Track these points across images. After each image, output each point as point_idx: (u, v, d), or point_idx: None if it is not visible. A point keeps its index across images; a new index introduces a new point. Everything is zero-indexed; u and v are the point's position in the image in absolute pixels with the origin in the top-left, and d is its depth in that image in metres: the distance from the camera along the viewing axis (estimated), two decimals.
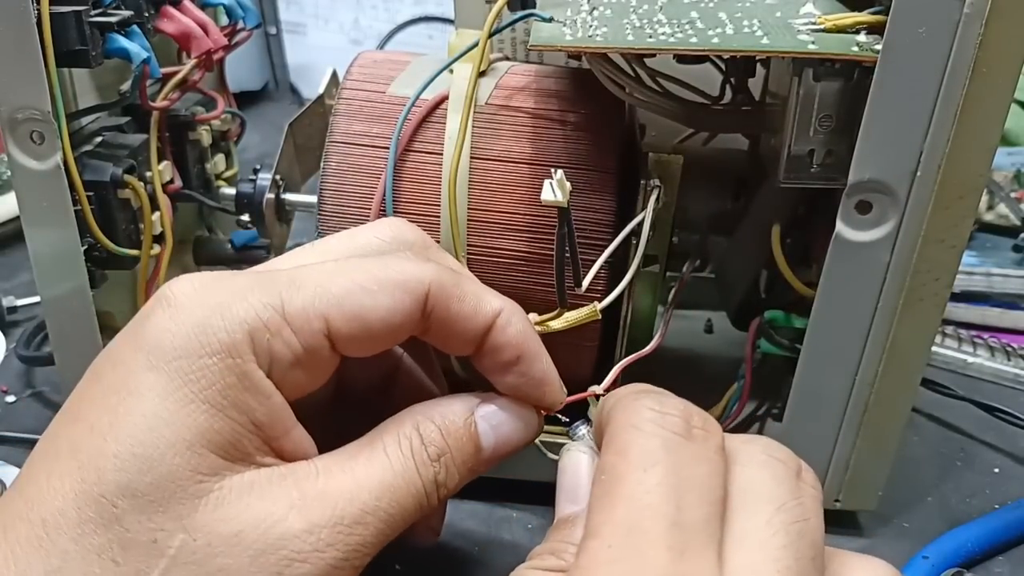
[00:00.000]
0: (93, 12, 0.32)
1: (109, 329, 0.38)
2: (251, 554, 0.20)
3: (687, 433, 0.21)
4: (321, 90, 0.42)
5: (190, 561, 0.20)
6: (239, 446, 0.21)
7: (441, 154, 0.33)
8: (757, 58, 0.35)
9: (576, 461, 0.24)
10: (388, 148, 0.32)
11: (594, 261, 0.31)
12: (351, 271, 0.24)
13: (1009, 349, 0.47)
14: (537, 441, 0.27)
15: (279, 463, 0.22)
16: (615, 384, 0.34)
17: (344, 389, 0.27)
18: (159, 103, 0.38)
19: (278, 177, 0.39)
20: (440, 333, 0.25)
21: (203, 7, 0.39)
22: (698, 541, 0.19)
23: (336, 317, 0.23)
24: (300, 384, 0.23)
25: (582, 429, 0.26)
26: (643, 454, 0.20)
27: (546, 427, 0.27)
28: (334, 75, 0.43)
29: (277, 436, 0.22)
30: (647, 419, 0.21)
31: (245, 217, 0.40)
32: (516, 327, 0.25)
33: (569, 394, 0.27)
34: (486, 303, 0.25)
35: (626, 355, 0.34)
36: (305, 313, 0.22)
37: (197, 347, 0.21)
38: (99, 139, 0.38)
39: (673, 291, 0.36)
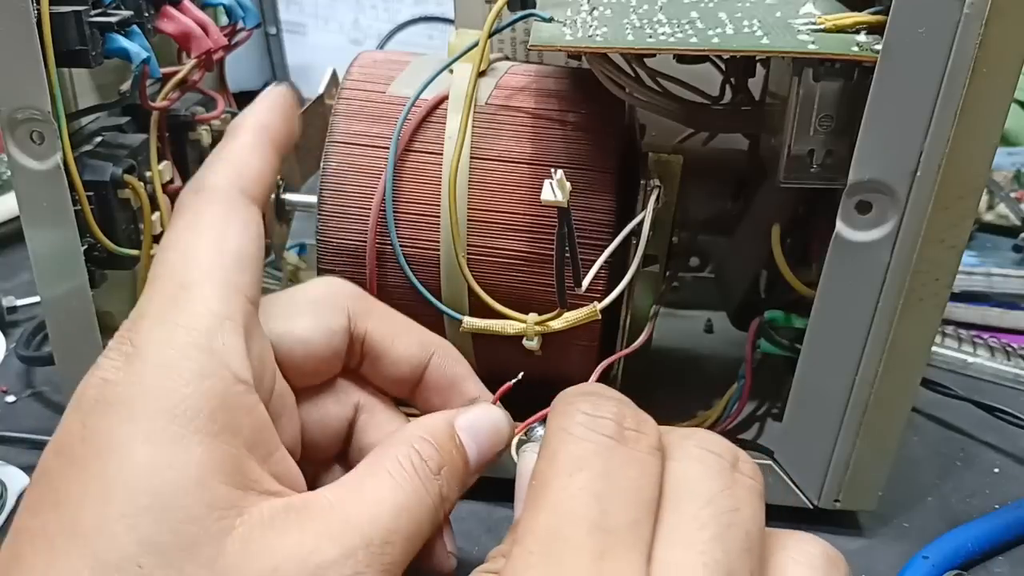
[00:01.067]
0: (93, 12, 0.32)
1: (109, 329, 0.38)
2: None
3: (619, 436, 0.21)
4: (321, 90, 0.42)
5: None
6: (243, 472, 0.21)
7: (441, 154, 0.33)
8: (757, 58, 0.35)
9: (529, 462, 0.25)
10: (388, 148, 0.32)
11: (594, 261, 0.31)
12: (281, 306, 0.27)
13: (1009, 349, 0.47)
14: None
15: (288, 492, 0.22)
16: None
17: (311, 440, 0.28)
18: (159, 103, 0.38)
19: (278, 177, 0.39)
20: (372, 365, 0.27)
21: (203, 7, 0.39)
22: (622, 544, 0.19)
23: (280, 347, 0.25)
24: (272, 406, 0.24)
25: (539, 430, 0.26)
26: (570, 459, 0.20)
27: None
28: (334, 75, 0.43)
29: (269, 455, 0.22)
30: (578, 423, 0.21)
31: None
32: (443, 365, 0.28)
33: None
34: (416, 340, 0.28)
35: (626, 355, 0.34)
36: (262, 340, 0.24)
37: (168, 383, 0.21)
38: (99, 139, 0.37)
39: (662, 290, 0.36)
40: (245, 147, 0.27)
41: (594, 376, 0.32)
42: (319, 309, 0.26)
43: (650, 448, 0.21)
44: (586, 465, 0.20)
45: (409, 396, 0.29)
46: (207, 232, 0.24)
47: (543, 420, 0.26)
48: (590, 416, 0.21)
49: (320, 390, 0.28)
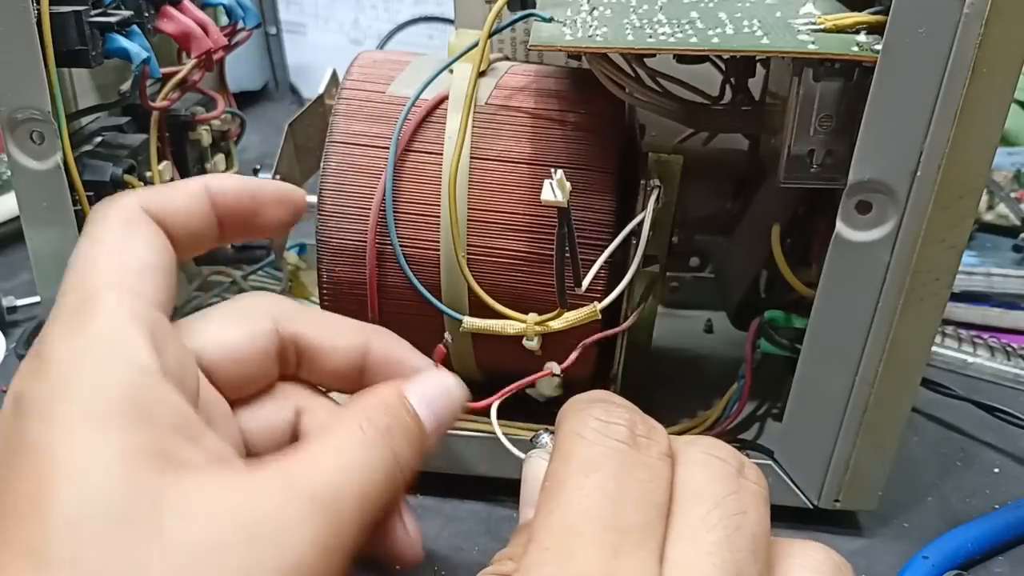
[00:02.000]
0: (93, 12, 0.32)
1: None
2: (242, 538, 0.20)
3: (631, 441, 0.21)
4: (321, 90, 0.42)
5: (177, 565, 0.19)
6: (168, 454, 0.20)
7: (441, 154, 0.33)
8: (757, 58, 0.35)
9: (537, 467, 0.25)
10: (388, 148, 0.32)
11: (594, 261, 0.31)
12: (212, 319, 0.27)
13: (1009, 349, 0.47)
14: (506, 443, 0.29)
15: (218, 462, 0.22)
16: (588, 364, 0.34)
17: (254, 448, 0.27)
18: (159, 103, 0.38)
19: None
20: (310, 364, 0.27)
21: (203, 7, 0.39)
22: (633, 542, 0.19)
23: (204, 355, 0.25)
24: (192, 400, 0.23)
25: (544, 437, 0.26)
26: (584, 461, 0.21)
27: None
28: (334, 75, 0.43)
29: (198, 436, 0.22)
30: (592, 428, 0.22)
31: None
32: (380, 349, 0.28)
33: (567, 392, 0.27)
34: (349, 330, 0.28)
35: (626, 355, 0.34)
36: (178, 345, 0.24)
37: (75, 386, 0.20)
38: (99, 139, 0.38)
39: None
40: (172, 184, 0.28)
41: (574, 354, 0.32)
42: (241, 317, 0.26)
43: (660, 454, 0.21)
44: (600, 467, 0.20)
45: (356, 388, 0.28)
46: (108, 247, 0.24)
47: (547, 430, 0.27)
48: (603, 422, 0.22)
49: (257, 397, 0.27)
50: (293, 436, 0.28)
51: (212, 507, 0.20)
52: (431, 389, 0.26)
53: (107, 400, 0.20)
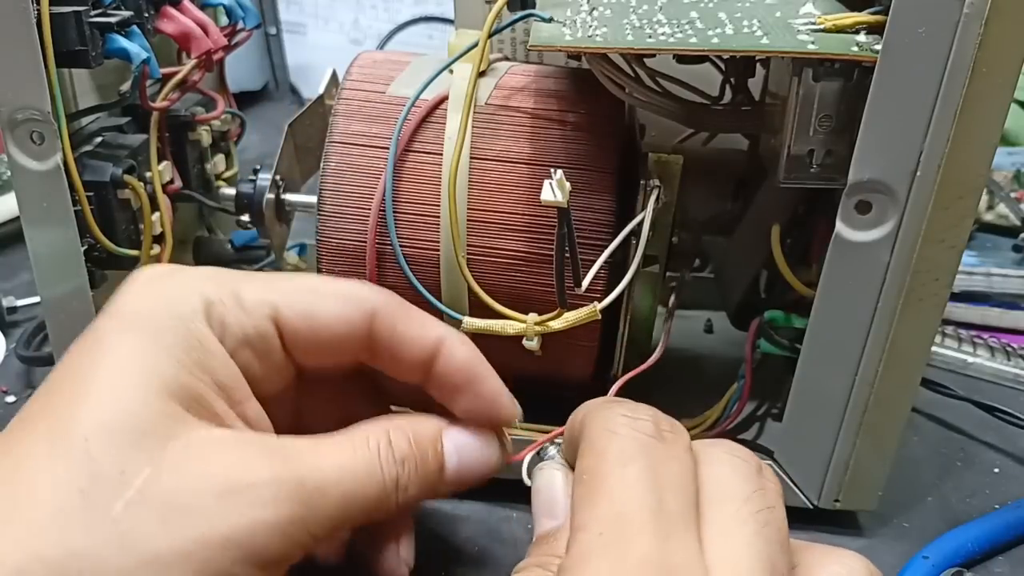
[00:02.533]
0: (93, 12, 0.32)
1: None
2: (215, 492, 0.21)
3: (658, 435, 0.22)
4: (321, 90, 0.42)
5: (155, 495, 0.20)
6: (204, 402, 0.23)
7: (441, 154, 0.33)
8: (757, 58, 0.35)
9: (551, 478, 0.26)
10: (388, 148, 0.32)
11: (594, 261, 0.31)
12: (304, 276, 0.27)
13: (1009, 349, 0.47)
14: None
15: (247, 429, 0.24)
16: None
17: (302, 433, 0.28)
18: (159, 103, 0.38)
19: (278, 177, 0.39)
20: (388, 355, 0.27)
21: (203, 7, 0.39)
22: (679, 528, 0.20)
23: (284, 308, 0.25)
24: (252, 368, 0.25)
25: (551, 449, 0.27)
26: (620, 453, 0.22)
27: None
28: (334, 75, 0.43)
29: (239, 400, 0.24)
30: (621, 423, 0.23)
31: (245, 217, 0.40)
32: (463, 351, 0.27)
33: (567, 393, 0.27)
34: (431, 328, 0.27)
35: (626, 355, 0.34)
36: (256, 297, 0.25)
37: (163, 312, 0.23)
38: (99, 139, 0.38)
39: (672, 297, 0.36)
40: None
41: (613, 390, 0.32)
42: (341, 297, 0.26)
43: (686, 448, 0.23)
44: (636, 458, 0.21)
45: (423, 382, 0.28)
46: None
47: (553, 441, 0.27)
48: (630, 418, 0.23)
49: (328, 387, 0.28)
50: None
51: (209, 463, 0.22)
52: (469, 445, 0.27)
53: (176, 339, 0.23)
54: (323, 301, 0.26)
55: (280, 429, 0.25)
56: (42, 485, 0.20)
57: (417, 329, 0.27)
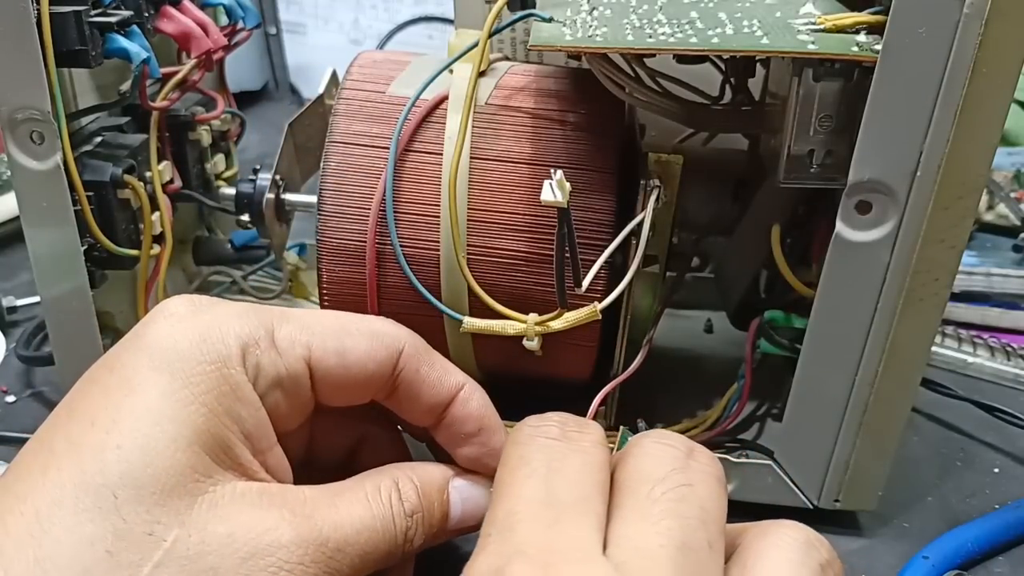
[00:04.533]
0: (93, 12, 0.32)
1: (109, 329, 0.38)
2: (241, 556, 0.21)
3: (562, 436, 0.23)
4: (321, 90, 0.42)
5: (183, 556, 0.20)
6: (231, 454, 0.23)
7: (441, 154, 0.33)
8: (757, 58, 0.35)
9: (479, 496, 0.27)
10: (388, 148, 0.32)
11: (594, 261, 0.31)
12: (334, 315, 0.27)
13: (1009, 349, 0.47)
14: None
15: (270, 480, 0.24)
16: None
17: (312, 457, 0.29)
18: (159, 103, 0.38)
19: (278, 177, 0.39)
20: (406, 395, 0.27)
21: (203, 7, 0.39)
22: (570, 514, 0.21)
23: (317, 348, 0.25)
24: (280, 409, 0.25)
25: None
26: (519, 459, 0.23)
27: None
28: (334, 75, 0.43)
29: (263, 449, 0.24)
30: (524, 433, 0.23)
31: (245, 217, 0.40)
32: (478, 400, 0.28)
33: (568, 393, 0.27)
34: (452, 374, 0.27)
35: (625, 355, 0.34)
36: (291, 338, 0.25)
37: (197, 354, 0.23)
38: (99, 139, 0.37)
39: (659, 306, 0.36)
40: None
41: (594, 405, 0.32)
42: (372, 337, 0.26)
43: (593, 442, 0.23)
44: (532, 459, 0.22)
45: (433, 425, 0.28)
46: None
47: None
48: (534, 426, 0.24)
49: (336, 410, 0.28)
50: (348, 454, 0.29)
51: (235, 524, 0.21)
52: (474, 495, 0.27)
53: (209, 385, 0.22)
54: (355, 341, 0.26)
55: (292, 455, 0.26)
56: (67, 543, 0.20)
57: (439, 373, 0.27)
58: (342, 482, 0.25)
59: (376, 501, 0.24)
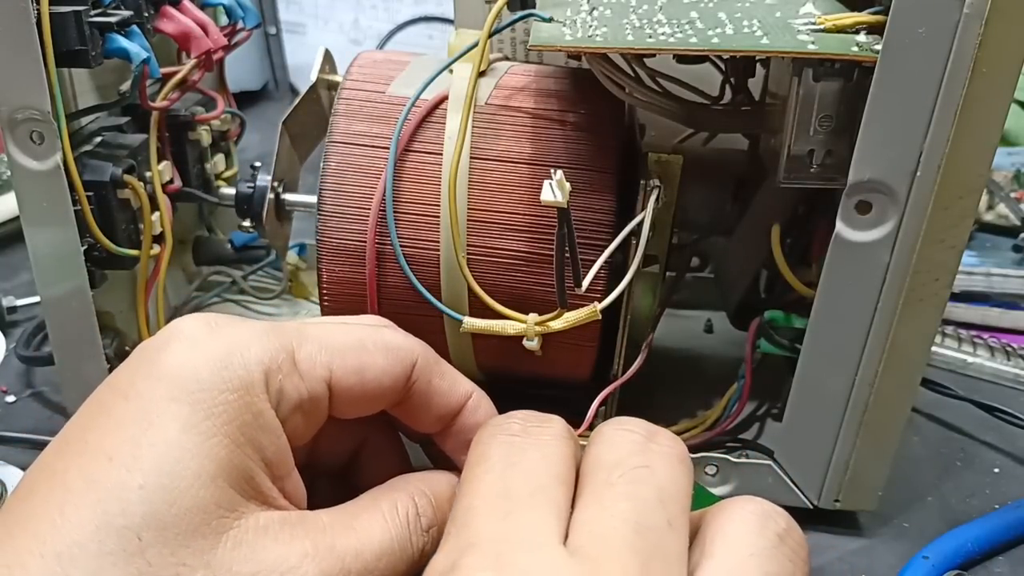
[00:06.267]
0: (93, 12, 0.32)
1: (109, 329, 0.38)
2: None
3: (522, 432, 0.23)
4: (314, 73, 0.41)
5: None
6: (253, 484, 0.22)
7: (441, 154, 0.33)
8: (757, 58, 0.35)
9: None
10: (388, 148, 0.32)
11: (594, 261, 0.31)
12: (349, 331, 0.26)
13: (1009, 349, 0.47)
14: None
15: (289, 507, 0.23)
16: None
17: (313, 461, 0.28)
18: (159, 103, 0.38)
19: (275, 183, 0.39)
20: (416, 405, 0.27)
21: (203, 7, 0.39)
22: (525, 505, 0.21)
23: (338, 368, 0.24)
24: (298, 430, 0.24)
25: None
26: (479, 458, 0.23)
27: None
28: (327, 55, 0.42)
29: (282, 476, 0.23)
30: (487, 433, 0.24)
31: (247, 223, 0.40)
32: (485, 408, 0.28)
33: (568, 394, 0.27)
34: (461, 384, 0.27)
35: (625, 354, 0.34)
36: (312, 360, 0.24)
37: (219, 382, 0.22)
38: (99, 139, 0.37)
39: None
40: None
41: (594, 406, 0.32)
42: (388, 350, 0.26)
43: (553, 435, 0.23)
44: (489, 456, 0.23)
45: (438, 433, 0.28)
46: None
47: None
48: (497, 425, 0.24)
49: (339, 421, 0.28)
50: (350, 457, 0.29)
51: (259, 561, 0.21)
52: None
53: (230, 416, 0.22)
54: (372, 357, 0.25)
55: (299, 460, 0.25)
56: None
57: (449, 383, 0.27)
58: (357, 501, 0.25)
59: (394, 521, 0.24)
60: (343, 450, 0.29)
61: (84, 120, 0.38)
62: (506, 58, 0.37)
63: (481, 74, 0.33)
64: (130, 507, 0.20)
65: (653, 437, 0.23)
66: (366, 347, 0.25)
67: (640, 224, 0.31)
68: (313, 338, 0.25)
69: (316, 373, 0.24)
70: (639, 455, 0.22)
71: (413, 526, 0.24)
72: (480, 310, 0.32)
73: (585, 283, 0.30)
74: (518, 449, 0.23)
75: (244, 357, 0.22)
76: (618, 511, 0.20)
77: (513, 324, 0.32)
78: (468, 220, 0.33)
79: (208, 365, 0.22)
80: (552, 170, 0.26)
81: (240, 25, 0.42)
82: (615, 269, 0.32)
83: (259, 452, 0.22)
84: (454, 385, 0.27)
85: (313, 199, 0.35)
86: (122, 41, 0.33)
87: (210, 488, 0.21)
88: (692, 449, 0.28)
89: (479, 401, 0.28)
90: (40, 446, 0.31)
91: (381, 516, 0.24)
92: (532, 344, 0.32)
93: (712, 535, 0.21)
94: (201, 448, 0.21)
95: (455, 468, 0.28)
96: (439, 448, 0.28)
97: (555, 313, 0.32)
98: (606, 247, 0.31)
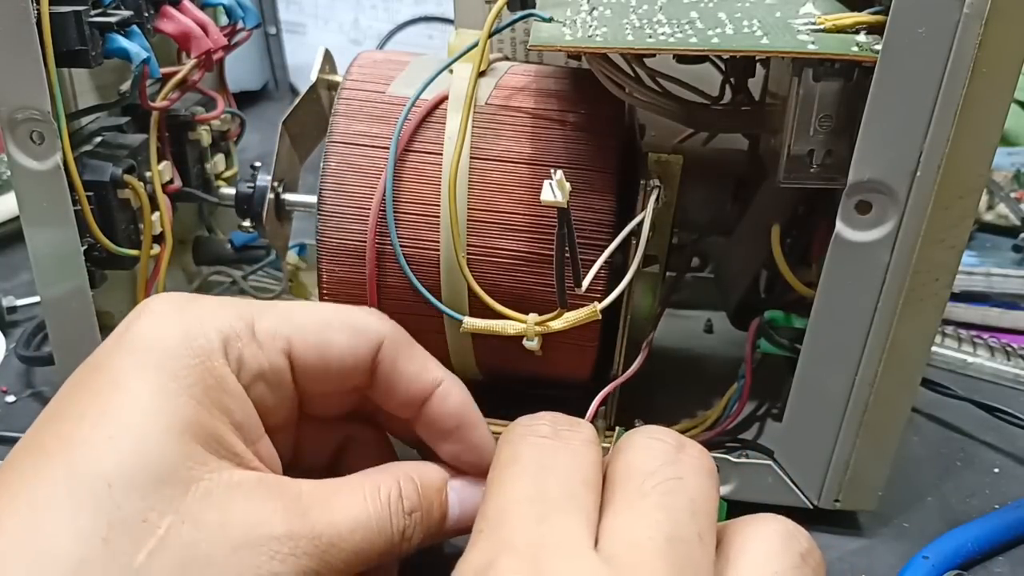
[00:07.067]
0: (93, 12, 0.32)
1: (109, 329, 0.38)
2: (233, 545, 0.21)
3: (553, 435, 0.23)
4: (314, 73, 0.41)
5: (176, 544, 0.21)
6: (224, 443, 0.23)
7: (441, 154, 0.33)
8: (757, 58, 0.35)
9: (472, 495, 0.27)
10: (388, 148, 0.32)
11: (594, 261, 0.31)
12: (315, 308, 0.27)
13: (1009, 349, 0.47)
14: None
15: (266, 470, 0.24)
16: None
17: (297, 460, 0.29)
18: (159, 103, 0.38)
19: (275, 183, 0.39)
20: (385, 387, 0.27)
21: (203, 7, 0.39)
22: (558, 510, 0.21)
23: (298, 341, 0.25)
24: (266, 400, 0.25)
25: None
26: (509, 457, 0.23)
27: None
28: (327, 55, 0.42)
29: (253, 440, 0.24)
30: (517, 433, 0.24)
31: (247, 223, 0.40)
32: (456, 396, 0.28)
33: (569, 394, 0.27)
34: (431, 370, 0.28)
35: (625, 354, 0.34)
36: (271, 332, 0.25)
37: (183, 350, 0.23)
38: (99, 139, 0.38)
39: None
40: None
41: (594, 405, 0.32)
42: (351, 329, 0.27)
43: (583, 440, 0.23)
44: (521, 457, 0.23)
45: (413, 418, 0.28)
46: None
47: None
48: (526, 425, 0.24)
49: (322, 413, 0.28)
50: (334, 455, 0.29)
51: (228, 512, 0.22)
52: (472, 495, 0.27)
53: (196, 379, 0.23)
54: (335, 334, 0.26)
55: (281, 455, 0.26)
56: (63, 534, 0.20)
57: (416, 368, 0.27)
58: (344, 478, 0.25)
59: (375, 500, 0.25)
60: (326, 447, 0.29)
61: (84, 120, 0.38)
62: (506, 58, 0.37)
63: (481, 74, 0.33)
64: (100, 457, 0.21)
65: (683, 448, 0.23)
66: (331, 324, 0.26)
67: (640, 224, 0.31)
68: (275, 313, 0.26)
69: (275, 344, 0.25)
70: (671, 465, 0.22)
71: (395, 508, 0.25)
72: (480, 310, 0.32)
73: (585, 283, 0.30)
74: (550, 452, 0.23)
75: (204, 327, 0.24)
76: (652, 521, 0.20)
77: (513, 324, 0.32)
78: (468, 220, 0.33)
79: (174, 336, 0.23)
80: (552, 170, 0.26)
81: (240, 25, 0.42)
82: (615, 269, 0.32)
83: (226, 414, 0.23)
84: (423, 371, 0.27)
85: (313, 199, 0.35)
86: (122, 41, 0.33)
87: (178, 442, 0.21)
88: None
89: (450, 388, 0.28)
90: None
91: (362, 493, 0.25)
92: (532, 344, 0.32)
93: (736, 552, 0.21)
94: (167, 406, 0.22)
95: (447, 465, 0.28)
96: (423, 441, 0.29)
97: (555, 313, 0.32)
98: (606, 247, 0.31)
